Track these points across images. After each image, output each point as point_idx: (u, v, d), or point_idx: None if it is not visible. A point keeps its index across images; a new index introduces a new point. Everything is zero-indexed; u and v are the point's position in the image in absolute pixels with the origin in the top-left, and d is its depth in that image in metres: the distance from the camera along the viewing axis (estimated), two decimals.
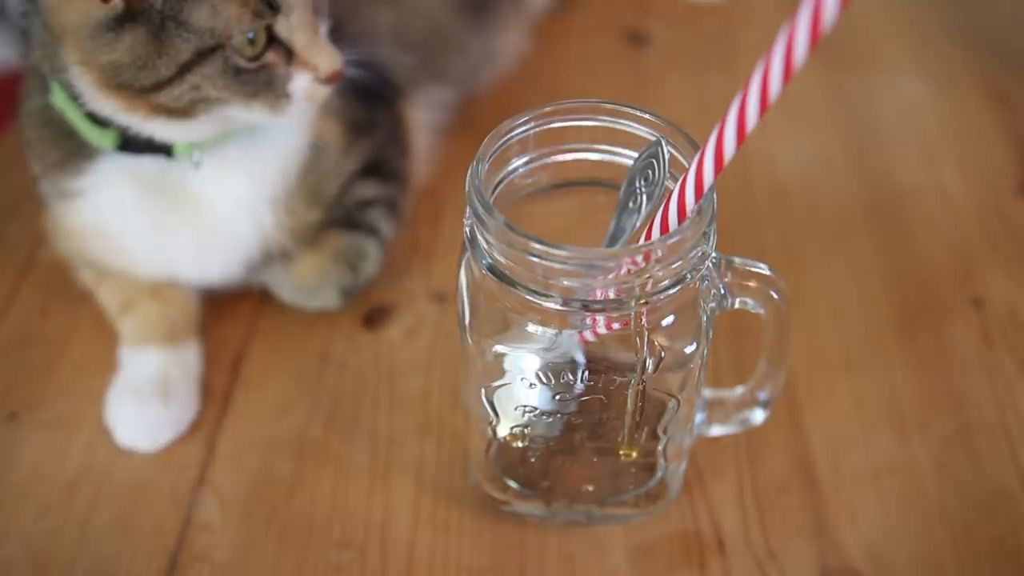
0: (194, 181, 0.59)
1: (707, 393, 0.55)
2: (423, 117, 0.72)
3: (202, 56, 0.52)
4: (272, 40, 0.54)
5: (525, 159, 0.49)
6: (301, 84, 0.55)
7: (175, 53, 0.52)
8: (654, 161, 0.46)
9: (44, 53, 0.55)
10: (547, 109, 0.48)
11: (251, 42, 0.53)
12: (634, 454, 0.53)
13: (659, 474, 0.54)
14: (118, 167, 0.58)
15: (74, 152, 0.59)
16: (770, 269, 0.49)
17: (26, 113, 0.61)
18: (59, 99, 0.57)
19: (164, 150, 0.57)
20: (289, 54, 0.54)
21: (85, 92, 0.54)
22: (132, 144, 0.57)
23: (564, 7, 0.88)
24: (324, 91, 0.56)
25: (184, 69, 0.52)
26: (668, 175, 0.46)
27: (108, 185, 0.59)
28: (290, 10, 0.53)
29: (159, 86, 0.53)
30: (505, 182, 0.49)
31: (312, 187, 0.62)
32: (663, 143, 0.46)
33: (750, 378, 0.54)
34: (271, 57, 0.54)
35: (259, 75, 0.54)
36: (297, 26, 0.54)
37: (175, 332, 0.62)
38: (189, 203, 0.59)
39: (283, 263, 0.63)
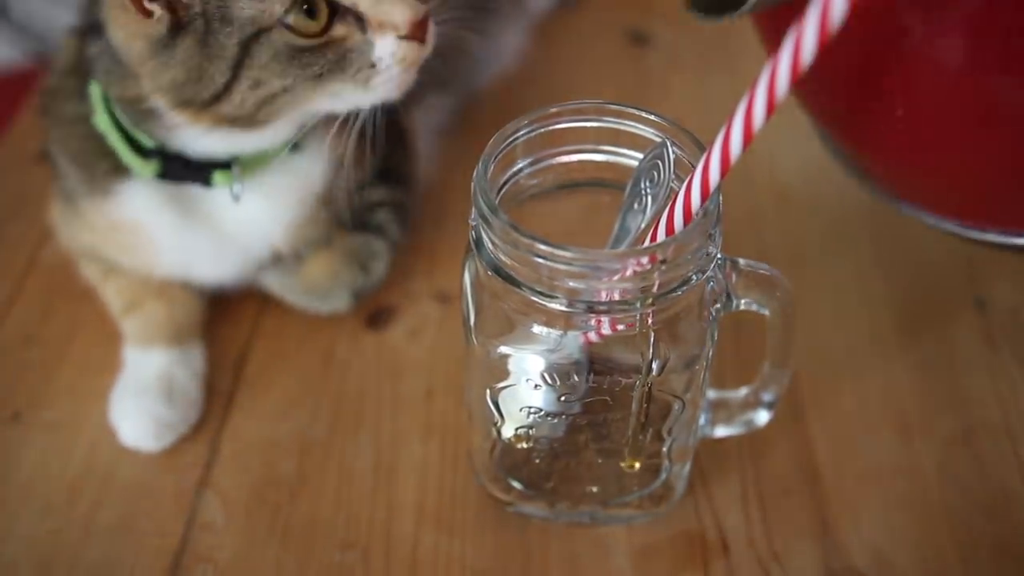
0: (223, 206, 0.59)
1: (711, 394, 0.55)
2: (425, 120, 0.72)
3: (248, 47, 0.50)
4: (336, 10, 0.50)
5: (530, 160, 0.49)
6: (386, 48, 0.51)
7: (223, 52, 0.50)
8: (659, 162, 0.46)
9: (117, 83, 0.55)
10: (552, 110, 0.48)
11: (311, 17, 0.50)
12: (637, 465, 0.53)
13: (663, 475, 0.54)
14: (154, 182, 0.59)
15: (111, 168, 0.58)
16: (775, 270, 0.49)
17: (63, 117, 0.60)
18: (102, 122, 0.57)
19: (203, 179, 0.57)
20: (361, 20, 0.51)
21: (170, 121, 0.54)
22: (172, 174, 0.57)
23: (566, 6, 0.88)
24: (417, 48, 0.52)
25: (237, 66, 0.50)
26: (673, 176, 0.46)
27: (143, 188, 0.59)
28: None
29: (219, 95, 0.51)
30: (510, 183, 0.49)
31: (328, 199, 0.62)
32: (668, 144, 0.46)
33: (754, 379, 0.54)
34: (339, 30, 0.51)
35: (324, 53, 0.51)
36: None
37: (180, 332, 0.62)
38: (216, 219, 0.60)
39: (293, 266, 0.63)
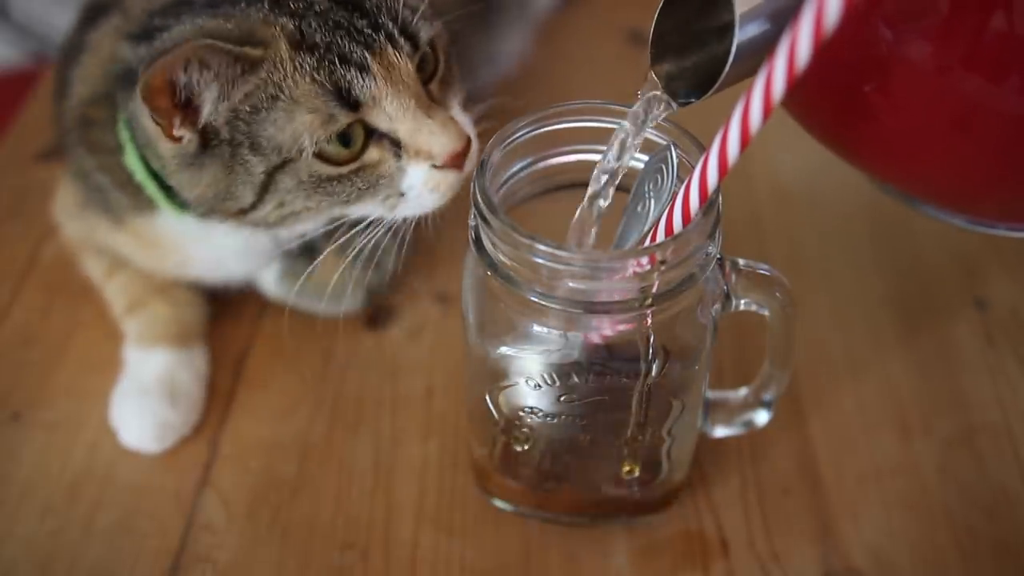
0: None
1: (711, 395, 0.55)
2: None
3: (273, 175, 0.50)
4: (372, 134, 0.49)
5: (530, 160, 0.49)
6: (418, 177, 0.50)
7: (249, 178, 0.50)
8: (663, 166, 0.46)
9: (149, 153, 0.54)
10: (552, 110, 0.48)
11: (346, 145, 0.49)
12: (636, 470, 0.53)
13: (663, 476, 0.54)
14: None
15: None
16: (775, 270, 0.49)
17: (102, 147, 0.58)
18: (131, 161, 0.56)
19: None
20: (398, 145, 0.50)
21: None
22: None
23: (567, 6, 0.88)
24: (453, 176, 0.51)
25: (263, 191, 0.50)
26: (676, 180, 0.46)
27: None
28: (380, 99, 0.48)
29: (245, 211, 0.52)
30: (510, 183, 0.48)
31: None
32: (672, 148, 0.46)
33: (753, 379, 0.54)
34: (374, 154, 0.50)
35: (353, 180, 0.50)
36: (398, 114, 0.49)
37: (184, 333, 0.62)
38: None
39: (300, 268, 0.62)
